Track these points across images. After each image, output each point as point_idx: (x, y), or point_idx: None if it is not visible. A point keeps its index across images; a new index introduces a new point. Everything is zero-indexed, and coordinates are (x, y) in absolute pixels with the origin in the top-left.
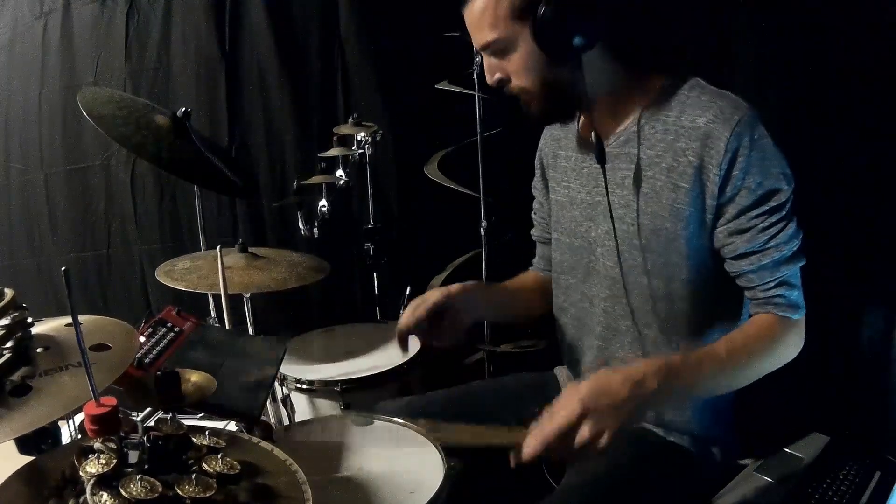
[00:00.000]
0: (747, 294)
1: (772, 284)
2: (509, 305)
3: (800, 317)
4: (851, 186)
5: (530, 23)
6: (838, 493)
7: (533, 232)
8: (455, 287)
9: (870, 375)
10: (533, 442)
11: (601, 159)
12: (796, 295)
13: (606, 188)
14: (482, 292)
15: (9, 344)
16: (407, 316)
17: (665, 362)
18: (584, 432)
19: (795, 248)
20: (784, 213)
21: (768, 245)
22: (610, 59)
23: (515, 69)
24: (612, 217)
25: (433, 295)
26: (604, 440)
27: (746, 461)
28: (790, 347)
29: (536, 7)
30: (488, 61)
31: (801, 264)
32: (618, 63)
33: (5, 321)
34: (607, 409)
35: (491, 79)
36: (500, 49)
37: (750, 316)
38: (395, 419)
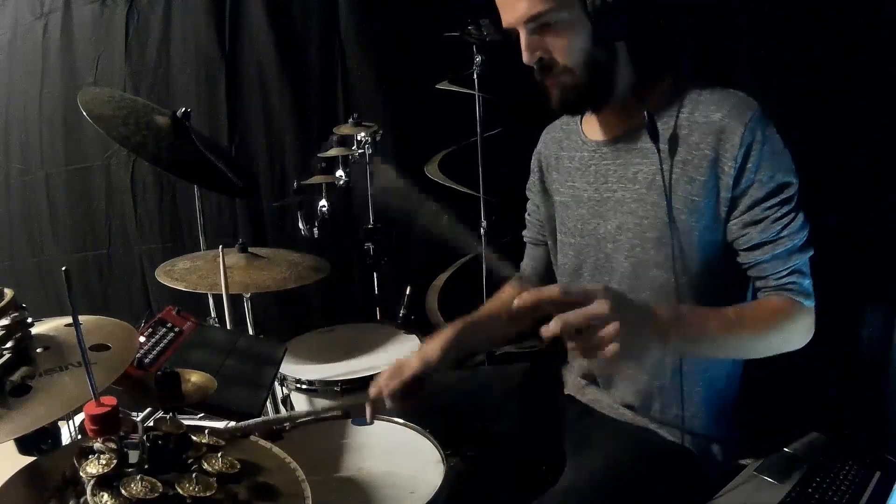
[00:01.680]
0: (759, 284)
1: (784, 273)
2: (496, 336)
3: (811, 305)
4: (851, 186)
5: None
6: (838, 493)
7: (525, 233)
8: (433, 353)
9: (870, 375)
10: (555, 322)
11: (654, 136)
12: (808, 283)
13: (661, 164)
14: (464, 341)
15: (9, 344)
16: (381, 387)
17: (674, 305)
18: (610, 330)
19: (805, 238)
20: (793, 204)
21: (781, 235)
22: (627, 57)
23: (561, 46)
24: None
25: (410, 365)
26: (616, 347)
27: (746, 461)
28: (799, 331)
29: None
30: (529, 38)
31: (810, 254)
32: (634, 61)
33: (5, 321)
34: (631, 320)
35: (530, 57)
36: (546, 23)
37: None
38: (395, 419)
